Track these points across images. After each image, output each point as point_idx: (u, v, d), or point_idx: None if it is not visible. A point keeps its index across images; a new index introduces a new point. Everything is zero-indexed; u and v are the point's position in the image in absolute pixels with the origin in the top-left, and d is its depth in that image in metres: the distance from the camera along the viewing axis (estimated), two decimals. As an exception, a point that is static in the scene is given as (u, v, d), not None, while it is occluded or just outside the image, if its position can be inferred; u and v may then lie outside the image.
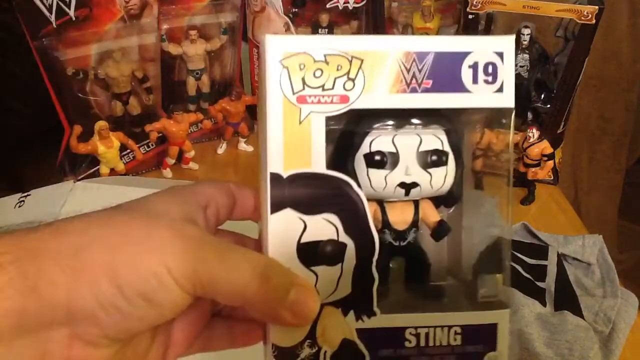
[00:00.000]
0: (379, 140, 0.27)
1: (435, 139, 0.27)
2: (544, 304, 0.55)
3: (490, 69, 0.26)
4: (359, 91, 0.24)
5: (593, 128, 1.36)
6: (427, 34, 0.78)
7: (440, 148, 0.27)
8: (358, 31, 0.81)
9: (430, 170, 0.27)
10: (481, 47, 0.25)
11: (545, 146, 0.73)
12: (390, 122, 0.27)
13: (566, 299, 0.56)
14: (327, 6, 0.78)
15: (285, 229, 0.24)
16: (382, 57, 0.25)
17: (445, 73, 0.25)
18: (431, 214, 0.29)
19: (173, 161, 0.76)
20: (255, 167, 0.26)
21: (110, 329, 0.22)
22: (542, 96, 0.77)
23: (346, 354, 0.25)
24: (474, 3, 0.72)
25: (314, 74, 0.24)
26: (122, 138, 0.72)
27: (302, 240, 0.24)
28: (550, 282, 0.58)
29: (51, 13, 0.65)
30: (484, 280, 0.27)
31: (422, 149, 0.27)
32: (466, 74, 0.25)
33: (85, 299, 0.21)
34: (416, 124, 0.27)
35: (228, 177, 0.76)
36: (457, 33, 0.79)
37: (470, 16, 0.73)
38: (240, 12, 0.80)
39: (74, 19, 0.66)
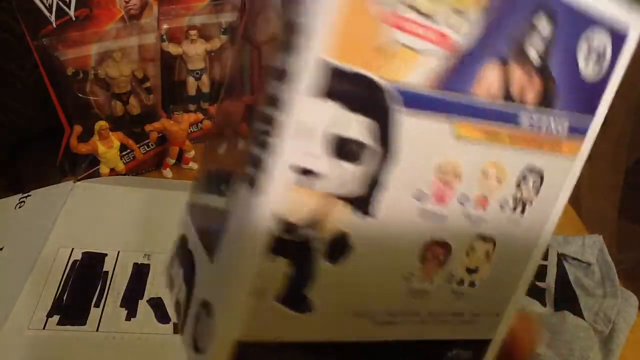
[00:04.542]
0: None
1: None
2: (544, 304, 0.55)
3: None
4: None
5: (593, 128, 1.36)
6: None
7: None
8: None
9: None
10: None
11: (545, 146, 0.73)
12: None
13: (566, 299, 0.56)
14: (327, 6, 0.78)
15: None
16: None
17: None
18: None
19: (173, 161, 0.76)
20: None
21: None
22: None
23: None
24: (474, 3, 0.72)
25: None
26: (122, 138, 0.72)
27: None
28: (550, 282, 0.58)
29: (51, 13, 0.65)
30: None
31: None
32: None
33: None
34: None
35: (228, 177, 0.76)
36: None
37: (470, 16, 0.73)
38: (240, 12, 0.80)
39: (74, 19, 0.66)
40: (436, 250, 0.21)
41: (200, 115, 0.78)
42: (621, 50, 0.23)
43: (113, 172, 0.73)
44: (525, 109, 0.21)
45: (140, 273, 0.56)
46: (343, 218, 0.19)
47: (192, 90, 0.81)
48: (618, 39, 0.22)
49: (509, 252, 0.23)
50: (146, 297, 0.55)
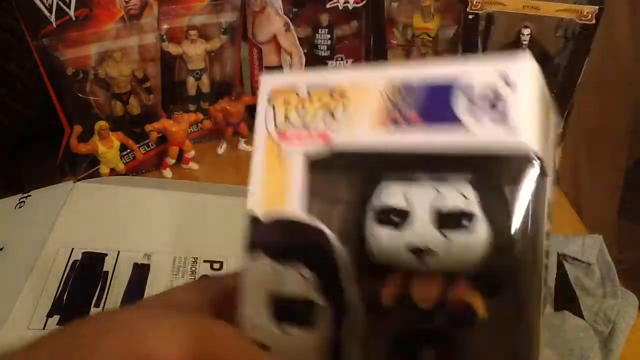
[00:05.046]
0: (388, 192, 0.22)
1: (457, 194, 0.21)
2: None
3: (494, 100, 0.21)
4: (339, 128, 0.23)
5: (593, 128, 1.36)
6: (427, 34, 0.78)
7: (462, 207, 0.21)
8: (358, 31, 0.81)
9: (448, 233, 0.21)
10: (479, 72, 0.21)
11: (545, 146, 0.73)
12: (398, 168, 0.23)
13: (566, 299, 0.56)
14: (327, 6, 0.78)
15: (258, 274, 0.23)
16: (365, 91, 0.23)
17: (436, 105, 0.21)
18: (463, 295, 0.22)
19: (173, 161, 0.76)
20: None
21: None
22: (542, 96, 0.76)
23: None
24: (474, 3, 0.72)
25: (297, 110, 0.24)
26: (122, 138, 0.72)
27: (274, 291, 0.23)
28: (550, 282, 0.58)
29: (51, 13, 0.65)
30: None
31: (437, 205, 0.21)
32: (461, 106, 0.21)
33: None
34: (431, 172, 0.22)
35: (228, 177, 0.76)
36: (457, 33, 0.79)
37: (470, 16, 0.73)
38: (240, 12, 0.80)
39: (74, 19, 0.66)
40: None
41: (200, 115, 0.78)
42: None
43: (113, 172, 0.73)
44: None
45: (140, 273, 0.56)
46: None
47: (192, 90, 0.81)
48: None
49: None
50: (146, 297, 0.55)
